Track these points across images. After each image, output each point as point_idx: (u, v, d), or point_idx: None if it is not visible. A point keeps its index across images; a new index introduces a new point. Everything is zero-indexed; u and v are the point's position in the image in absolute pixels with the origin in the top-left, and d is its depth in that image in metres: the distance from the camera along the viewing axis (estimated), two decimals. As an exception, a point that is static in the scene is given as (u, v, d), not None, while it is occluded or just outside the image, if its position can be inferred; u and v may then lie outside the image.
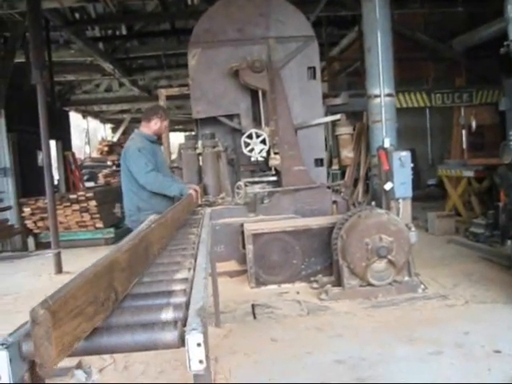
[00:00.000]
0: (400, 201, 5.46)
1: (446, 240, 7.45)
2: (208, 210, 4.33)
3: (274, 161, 6.29)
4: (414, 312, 4.54)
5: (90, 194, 9.14)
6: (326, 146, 8.80)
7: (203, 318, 1.48)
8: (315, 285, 5.40)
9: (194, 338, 1.34)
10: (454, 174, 8.60)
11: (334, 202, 6.36)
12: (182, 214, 4.00)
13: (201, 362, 1.34)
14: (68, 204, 9.08)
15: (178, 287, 1.88)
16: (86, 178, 15.60)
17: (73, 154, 12.88)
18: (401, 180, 5.46)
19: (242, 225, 6.06)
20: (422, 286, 5.02)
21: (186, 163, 6.27)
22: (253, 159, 6.20)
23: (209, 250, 2.72)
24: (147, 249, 2.39)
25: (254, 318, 4.67)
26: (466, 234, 7.19)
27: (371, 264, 4.85)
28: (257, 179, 6.56)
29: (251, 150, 6.22)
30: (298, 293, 5.32)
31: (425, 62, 10.66)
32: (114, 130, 25.52)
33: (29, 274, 7.42)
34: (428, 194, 12.15)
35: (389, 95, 6.22)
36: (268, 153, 6.30)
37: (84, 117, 22.92)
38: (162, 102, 6.65)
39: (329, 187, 6.41)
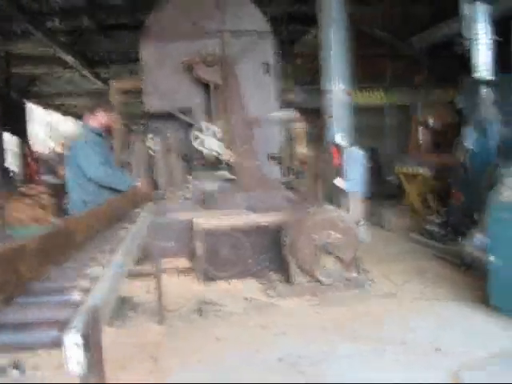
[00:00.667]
0: (350, 197, 5.44)
1: (402, 237, 7.50)
2: (150, 204, 4.23)
3: (226, 156, 6.20)
4: (360, 309, 4.52)
5: (42, 188, 8.90)
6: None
7: (93, 318, 1.38)
8: (265, 281, 5.34)
9: (71, 338, 1.25)
10: (411, 172, 8.67)
11: (288, 199, 6.30)
12: (121, 207, 3.89)
13: (79, 363, 1.25)
14: (20, 198, 8.82)
15: (82, 283, 1.78)
16: (44, 171, 15.19)
17: (29, 147, 12.55)
18: (352, 176, 5.45)
19: (192, 221, 5.96)
20: (371, 283, 5.01)
21: (135, 157, 6.13)
22: (204, 153, 6.10)
23: (130, 246, 2.61)
24: (67, 237, 2.29)
25: (200, 315, 4.58)
26: (422, 232, 7.25)
27: (319, 260, 4.82)
28: (208, 173, 6.46)
29: (201, 144, 6.11)
30: (246, 289, 5.25)
31: (384, 59, 10.72)
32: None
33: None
34: (388, 191, 12.29)
35: (342, 91, 6.20)
36: (220, 147, 6.20)
37: (46, 110, 22.43)
38: (114, 95, 6.48)
39: (283, 183, 6.36)
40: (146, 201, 4.68)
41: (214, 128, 6.10)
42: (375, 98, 9.41)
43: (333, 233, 4.82)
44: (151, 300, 4.87)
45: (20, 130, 12.36)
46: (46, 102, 21.06)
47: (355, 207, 5.38)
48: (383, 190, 11.63)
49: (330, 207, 4.99)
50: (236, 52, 6.34)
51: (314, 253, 4.80)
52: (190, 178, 6.34)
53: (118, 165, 6.12)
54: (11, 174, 11.35)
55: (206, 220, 5.69)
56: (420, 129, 9.79)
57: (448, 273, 5.56)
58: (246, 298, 4.95)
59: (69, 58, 13.11)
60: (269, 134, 6.56)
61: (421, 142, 9.86)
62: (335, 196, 5.54)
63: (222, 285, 5.40)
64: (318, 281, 4.87)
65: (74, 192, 4.45)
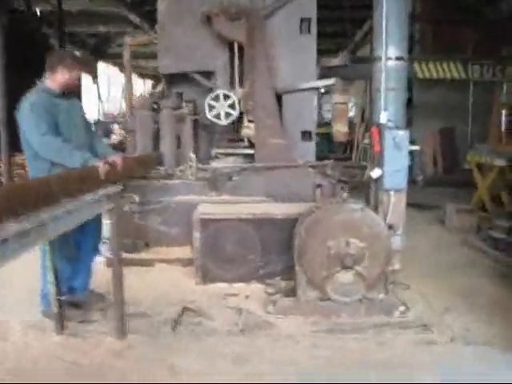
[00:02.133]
0: (391, 193, 4.26)
1: (461, 241, 6.18)
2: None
3: (247, 130, 5.17)
4: (376, 346, 3.42)
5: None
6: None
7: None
8: (270, 289, 4.33)
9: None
10: (484, 161, 7.21)
11: (319, 185, 5.20)
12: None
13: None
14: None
15: None
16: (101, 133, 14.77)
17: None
18: (394, 166, 4.26)
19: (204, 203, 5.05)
20: (402, 308, 3.87)
21: (139, 126, 5.24)
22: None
23: None
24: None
25: (174, 329, 3.67)
26: (485, 238, 5.90)
27: (333, 274, 3.73)
28: (230, 150, 5.47)
29: (217, 116, 5.11)
30: (247, 297, 4.27)
31: (464, 25, 9.06)
32: (154, 87, 24.85)
33: None
34: (465, 180, 10.73)
35: (397, 59, 4.92)
36: (241, 120, 5.19)
37: (121, 71, 22.24)
38: (127, 53, 5.59)
39: (313, 167, 5.24)
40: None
41: (233, 97, 5.07)
42: (452, 71, 7.91)
43: (354, 241, 3.70)
44: (130, 300, 4.02)
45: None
46: (122, 63, 20.79)
47: (396, 207, 4.19)
48: (458, 178, 10.14)
49: (356, 205, 3.85)
50: (267, 3, 5.21)
51: (327, 264, 3.72)
52: (191, 155, 5.26)
53: (122, 132, 5.28)
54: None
55: (207, 206, 4.74)
56: (503, 112, 8.20)
57: (510, 300, 4.28)
58: (240, 310, 3.97)
59: (133, 18, 12.75)
60: (303, 107, 5.44)
61: (503, 127, 8.28)
62: (371, 191, 4.38)
63: (219, 287, 4.46)
64: (331, 299, 3.80)
65: (31, 168, 3.65)
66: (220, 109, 5.07)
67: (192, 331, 3.64)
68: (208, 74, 5.52)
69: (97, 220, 4.03)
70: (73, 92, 3.93)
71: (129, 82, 5.53)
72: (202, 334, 3.60)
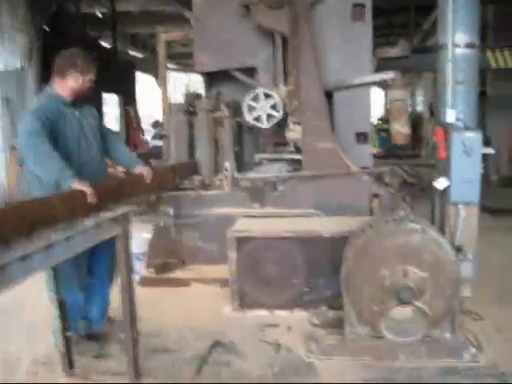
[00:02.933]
0: (460, 207, 3.54)
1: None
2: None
3: (293, 133, 4.57)
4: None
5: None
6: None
7: None
8: (316, 320, 3.74)
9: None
10: None
11: (376, 195, 4.53)
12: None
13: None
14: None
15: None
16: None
17: (135, 111, 11.91)
18: (463, 175, 3.53)
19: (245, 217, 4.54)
20: (472, 350, 3.17)
21: (173, 131, 4.76)
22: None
23: None
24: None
25: (199, 372, 3.15)
26: None
27: (388, 310, 3.08)
28: (275, 156, 4.90)
29: (258, 118, 4.55)
30: (289, 328, 3.70)
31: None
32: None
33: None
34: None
35: (467, 46, 4.15)
36: (285, 121, 4.60)
37: (185, 72, 22.09)
38: (161, 50, 5.14)
39: (369, 174, 4.56)
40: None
41: (276, 96, 4.49)
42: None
43: (413, 269, 3.03)
44: (155, 331, 3.58)
45: (125, 93, 11.73)
46: (185, 63, 20.70)
47: (464, 226, 3.46)
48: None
49: (416, 224, 3.16)
50: (313, -12, 4.59)
51: (381, 297, 3.08)
52: (225, 164, 4.72)
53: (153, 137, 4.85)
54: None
55: (246, 221, 4.20)
56: None
57: None
58: (278, 347, 3.41)
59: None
60: (357, 105, 4.77)
61: None
62: (436, 205, 3.67)
63: (258, 316, 3.92)
64: (385, 338, 3.15)
65: (33, 181, 3.25)
66: (261, 110, 4.51)
67: (218, 374, 3.12)
68: (250, 71, 4.97)
69: (112, 242, 3.59)
70: (86, 99, 3.50)
71: (163, 82, 5.07)
72: (229, 378, 3.07)
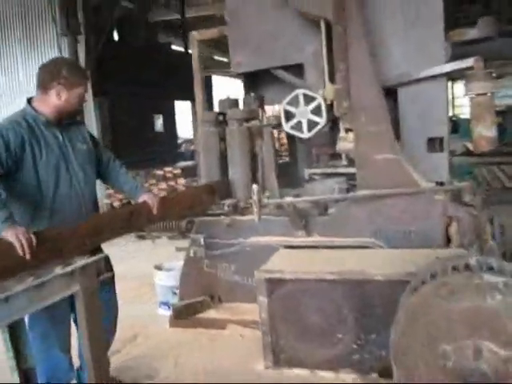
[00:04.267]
0: None
1: None
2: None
3: (344, 143, 3.68)
4: None
5: (177, 171, 7.47)
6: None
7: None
8: (365, 391, 2.84)
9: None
10: None
11: (451, 218, 3.51)
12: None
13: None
14: (154, 181, 7.57)
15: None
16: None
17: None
18: None
19: (287, 247, 3.74)
20: None
21: (203, 145, 4.04)
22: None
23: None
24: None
25: None
26: None
27: (453, 398, 2.13)
28: (328, 170, 4.04)
29: (297, 126, 3.71)
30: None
31: None
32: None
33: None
34: None
35: None
36: (332, 128, 3.73)
37: (226, 75, 21.50)
38: (195, 51, 4.45)
39: (444, 191, 3.54)
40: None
41: (319, 98, 3.62)
42: None
43: (490, 345, 2.06)
44: None
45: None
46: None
47: None
48: None
49: (496, 278, 2.17)
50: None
51: (443, 380, 2.14)
52: (254, 186, 3.93)
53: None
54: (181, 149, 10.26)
55: (285, 255, 3.39)
56: None
57: None
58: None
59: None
60: (429, 102, 3.76)
61: None
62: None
63: (297, 375, 3.10)
64: None
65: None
66: (300, 116, 3.66)
67: None
68: (297, 69, 4.13)
69: (108, 292, 2.95)
70: (75, 119, 2.90)
71: (199, 88, 4.37)
72: None
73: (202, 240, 3.95)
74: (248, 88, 4.43)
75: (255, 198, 3.31)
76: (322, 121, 3.64)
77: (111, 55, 8.44)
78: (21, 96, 7.82)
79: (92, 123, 7.88)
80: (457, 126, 16.79)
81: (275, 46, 4.08)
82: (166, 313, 4.34)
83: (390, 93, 3.77)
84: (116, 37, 10.37)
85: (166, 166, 7.48)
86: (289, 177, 4.50)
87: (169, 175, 7.49)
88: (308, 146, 4.40)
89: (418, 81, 3.74)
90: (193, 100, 4.71)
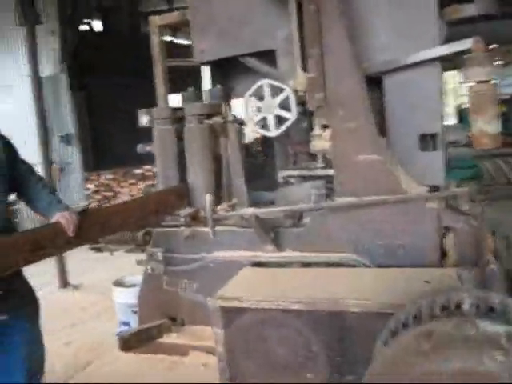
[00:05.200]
0: None
1: None
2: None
3: (320, 141, 3.13)
4: None
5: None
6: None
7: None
8: None
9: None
10: None
11: (447, 228, 2.98)
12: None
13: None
14: (133, 181, 7.05)
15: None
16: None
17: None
18: None
19: (255, 264, 3.23)
20: None
21: (157, 145, 3.51)
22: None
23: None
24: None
25: None
26: None
27: None
28: (304, 172, 3.50)
29: (261, 123, 3.18)
30: None
31: None
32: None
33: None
34: None
35: None
36: (308, 125, 3.20)
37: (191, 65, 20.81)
38: (155, 37, 3.90)
39: (438, 198, 2.99)
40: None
41: (287, 90, 3.08)
42: None
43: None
44: None
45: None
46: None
47: None
48: None
49: (503, 326, 1.64)
50: None
51: None
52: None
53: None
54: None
55: (243, 279, 2.86)
56: None
57: None
58: None
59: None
60: (420, 93, 3.20)
61: None
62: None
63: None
64: None
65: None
66: (266, 111, 3.12)
67: None
68: (269, 57, 3.58)
69: (22, 332, 2.47)
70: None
71: (160, 82, 3.83)
72: None
73: (159, 254, 3.44)
74: (215, 79, 3.88)
75: (207, 209, 2.77)
76: (291, 116, 3.09)
77: (93, 46, 7.92)
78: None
79: (67, 120, 7.41)
80: (462, 115, 16.14)
81: (243, 31, 3.53)
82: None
83: (374, 82, 3.22)
84: (100, 27, 9.87)
85: (145, 165, 6.97)
86: (264, 179, 3.97)
87: (148, 173, 6.99)
88: (284, 143, 3.85)
89: (407, 67, 3.17)
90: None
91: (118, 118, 8.18)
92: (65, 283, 5.37)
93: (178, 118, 3.45)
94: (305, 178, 3.55)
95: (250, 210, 2.93)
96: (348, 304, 2.41)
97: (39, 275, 5.41)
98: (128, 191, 7.15)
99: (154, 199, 3.24)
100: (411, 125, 3.24)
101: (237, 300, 2.61)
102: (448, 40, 3.08)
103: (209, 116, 3.36)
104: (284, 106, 3.15)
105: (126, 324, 3.95)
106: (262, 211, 3.00)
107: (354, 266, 3.04)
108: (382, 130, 3.21)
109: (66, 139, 7.48)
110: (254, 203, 3.53)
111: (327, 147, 3.11)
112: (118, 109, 8.04)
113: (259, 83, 3.14)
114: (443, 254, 3.00)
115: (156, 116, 3.50)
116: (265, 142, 3.93)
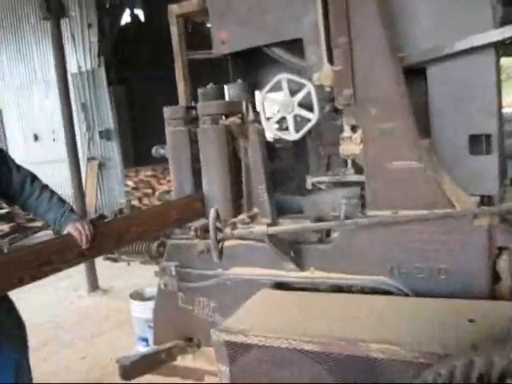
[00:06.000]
0: None
1: None
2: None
3: (349, 145, 2.69)
4: None
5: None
6: None
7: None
8: None
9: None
10: None
11: (501, 249, 2.49)
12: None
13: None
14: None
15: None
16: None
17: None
18: None
19: (276, 284, 2.86)
20: None
21: (172, 150, 3.17)
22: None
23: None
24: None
25: None
26: None
27: None
28: (335, 178, 3.08)
29: (279, 125, 2.77)
30: None
31: None
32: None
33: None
34: None
35: None
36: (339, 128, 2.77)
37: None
38: (174, 28, 3.56)
39: (490, 213, 2.50)
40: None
41: (309, 85, 2.65)
42: None
43: None
44: None
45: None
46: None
47: None
48: None
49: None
50: None
51: None
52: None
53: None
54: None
55: (257, 305, 2.49)
56: None
57: None
58: None
59: None
60: (471, 86, 2.70)
61: None
62: None
63: None
64: None
65: None
66: (285, 111, 2.71)
67: None
68: (298, 47, 3.16)
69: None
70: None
71: (182, 75, 3.50)
72: None
73: (173, 269, 3.13)
74: (237, 74, 3.50)
75: (210, 227, 2.42)
76: (313, 116, 2.66)
77: (133, 39, 7.74)
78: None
79: (107, 115, 7.26)
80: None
81: (266, 18, 3.12)
82: (144, 349, 3.59)
83: (415, 74, 2.74)
84: (142, 18, 9.68)
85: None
86: (295, 181, 3.56)
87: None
88: (316, 144, 3.43)
89: (455, 55, 2.67)
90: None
91: (157, 112, 7.93)
92: (94, 287, 5.21)
93: (193, 118, 3.10)
94: (336, 185, 3.13)
95: (262, 229, 2.54)
96: (370, 348, 1.99)
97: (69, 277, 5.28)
98: (167, 188, 6.92)
99: (176, 207, 2.94)
100: (460, 124, 2.73)
101: (242, 334, 2.25)
102: (504, 22, 2.55)
103: (226, 115, 2.98)
104: (306, 104, 2.73)
105: (144, 340, 3.69)
106: (275, 229, 2.60)
107: (387, 291, 2.61)
108: (424, 130, 2.73)
109: (106, 134, 7.36)
110: (282, 211, 3.16)
111: (357, 152, 2.67)
112: (158, 103, 7.82)
113: (276, 78, 2.73)
114: (495, 279, 2.52)
115: (167, 116, 3.16)
116: (295, 141, 3.51)
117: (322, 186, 3.19)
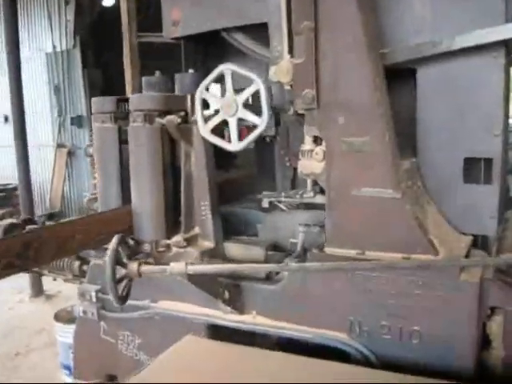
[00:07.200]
0: None
1: None
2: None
3: (310, 161, 2.11)
4: None
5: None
6: None
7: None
8: None
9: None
10: None
11: (493, 309, 1.91)
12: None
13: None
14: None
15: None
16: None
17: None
18: None
19: (210, 326, 2.29)
20: None
21: (98, 151, 2.59)
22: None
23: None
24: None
25: None
26: None
27: None
28: (296, 200, 2.50)
29: (219, 130, 2.20)
30: None
31: None
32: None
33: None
34: None
35: None
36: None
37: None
38: (124, 4, 2.97)
39: (482, 264, 1.91)
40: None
41: (258, 82, 2.06)
42: None
43: None
44: None
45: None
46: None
47: None
48: None
49: None
50: None
51: None
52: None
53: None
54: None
55: (167, 365, 1.92)
56: None
57: None
58: None
59: None
60: (468, 94, 2.11)
61: None
62: None
63: None
64: None
65: None
66: (226, 113, 2.12)
67: None
68: (262, 33, 2.57)
69: None
70: None
71: (129, 57, 2.90)
72: None
73: (93, 294, 2.56)
74: (191, 63, 2.91)
75: (107, 264, 1.84)
76: (262, 121, 2.06)
77: (116, 20, 7.13)
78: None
79: (81, 101, 6.68)
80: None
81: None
82: (67, 379, 3.05)
83: (401, 76, 2.15)
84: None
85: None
86: (257, 194, 2.99)
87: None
88: (281, 153, 2.85)
89: (455, 54, 2.08)
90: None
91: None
92: (39, 291, 4.66)
93: (126, 113, 2.51)
94: (300, 206, 2.56)
95: (180, 267, 1.96)
96: None
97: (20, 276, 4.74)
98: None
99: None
100: (454, 143, 2.15)
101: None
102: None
103: (164, 113, 2.39)
104: (251, 105, 2.14)
105: (67, 368, 3.13)
106: (197, 269, 2.02)
107: (344, 352, 2.03)
108: (407, 149, 2.15)
109: (78, 121, 6.78)
110: (238, 227, 2.61)
111: (319, 170, 2.08)
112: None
113: (218, 70, 2.13)
114: (485, 343, 1.95)
115: (94, 109, 2.57)
116: (258, 148, 2.94)
117: (282, 206, 2.61)
